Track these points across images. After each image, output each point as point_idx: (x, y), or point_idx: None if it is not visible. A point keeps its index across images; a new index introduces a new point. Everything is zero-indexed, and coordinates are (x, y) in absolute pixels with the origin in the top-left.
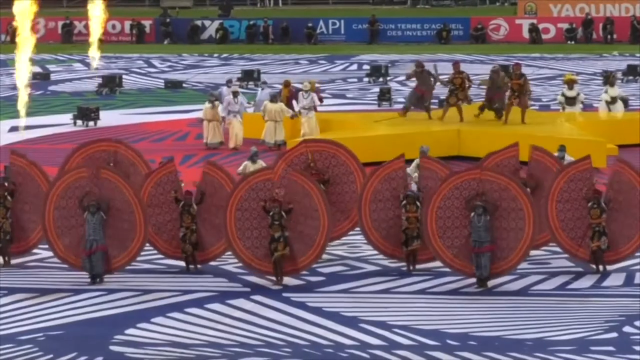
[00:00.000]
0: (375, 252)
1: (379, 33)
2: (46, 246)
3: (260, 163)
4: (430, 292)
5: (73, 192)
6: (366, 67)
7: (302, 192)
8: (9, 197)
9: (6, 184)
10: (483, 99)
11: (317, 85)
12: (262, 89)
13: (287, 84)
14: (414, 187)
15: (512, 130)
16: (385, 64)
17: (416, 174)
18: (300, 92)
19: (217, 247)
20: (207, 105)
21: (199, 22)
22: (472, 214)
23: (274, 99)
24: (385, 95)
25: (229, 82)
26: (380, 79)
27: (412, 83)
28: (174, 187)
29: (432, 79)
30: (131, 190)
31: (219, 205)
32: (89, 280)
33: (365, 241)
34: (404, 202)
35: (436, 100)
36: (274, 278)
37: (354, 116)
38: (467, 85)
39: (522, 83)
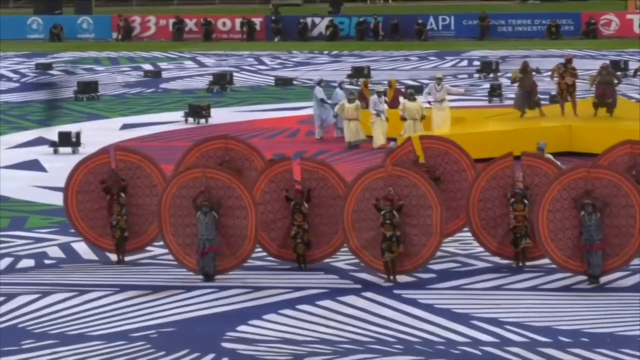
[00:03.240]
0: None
1: (489, 29)
2: (159, 243)
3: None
4: (542, 288)
5: (187, 191)
6: (476, 63)
7: (410, 185)
8: (122, 194)
9: (118, 180)
10: (594, 95)
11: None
12: (342, 88)
13: (391, 84)
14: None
15: (624, 126)
16: (496, 59)
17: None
18: (429, 87)
19: (326, 248)
20: (347, 104)
21: (309, 19)
22: (582, 212)
23: (351, 98)
24: (495, 91)
25: (320, 82)
26: (491, 75)
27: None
28: (286, 186)
29: (534, 75)
30: (244, 189)
31: (328, 201)
32: (201, 277)
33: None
34: (512, 200)
35: (547, 96)
36: (385, 276)
37: (465, 112)
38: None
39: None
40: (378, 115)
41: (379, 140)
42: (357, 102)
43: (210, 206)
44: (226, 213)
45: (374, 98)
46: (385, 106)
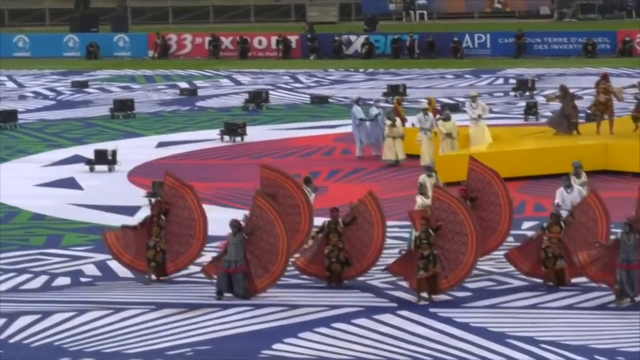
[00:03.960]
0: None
1: (525, 47)
2: (195, 261)
3: (436, 177)
4: (578, 307)
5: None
6: (512, 81)
7: (449, 210)
8: (162, 217)
9: (160, 202)
10: (632, 112)
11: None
12: (377, 107)
13: (430, 102)
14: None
15: None
16: (532, 77)
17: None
18: (468, 103)
19: (360, 265)
20: (388, 122)
21: (344, 37)
22: (620, 232)
23: (391, 116)
24: (531, 110)
25: (358, 101)
26: (527, 93)
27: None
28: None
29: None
30: (276, 213)
31: (363, 227)
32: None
33: None
34: (549, 221)
35: (582, 114)
36: (424, 295)
37: (501, 130)
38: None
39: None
40: (426, 133)
41: (426, 158)
42: (398, 120)
43: (239, 227)
44: (261, 237)
45: (419, 116)
46: (431, 124)
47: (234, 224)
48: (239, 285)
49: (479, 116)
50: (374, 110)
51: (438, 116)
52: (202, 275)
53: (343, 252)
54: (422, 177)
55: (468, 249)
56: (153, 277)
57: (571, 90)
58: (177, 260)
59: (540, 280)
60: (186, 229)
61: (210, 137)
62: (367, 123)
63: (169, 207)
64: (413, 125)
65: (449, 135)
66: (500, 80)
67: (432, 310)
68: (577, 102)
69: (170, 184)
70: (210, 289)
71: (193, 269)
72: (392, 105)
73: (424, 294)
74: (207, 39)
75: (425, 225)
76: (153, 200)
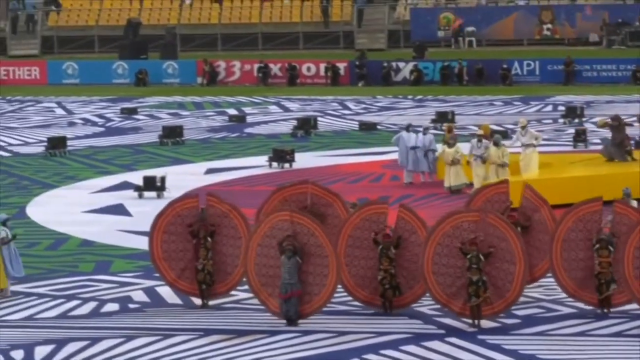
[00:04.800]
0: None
1: (574, 74)
2: (244, 287)
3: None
4: (627, 334)
5: (274, 235)
6: (561, 108)
7: (501, 237)
8: (209, 239)
9: (205, 224)
10: None
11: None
12: (425, 134)
13: (484, 129)
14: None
15: None
16: (581, 105)
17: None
18: (518, 131)
19: (413, 292)
20: (447, 149)
21: (393, 64)
22: None
23: (450, 142)
24: (580, 137)
25: (408, 127)
26: (576, 120)
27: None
28: (375, 229)
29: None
30: (324, 235)
31: (413, 251)
32: (284, 321)
33: None
34: (597, 245)
35: (632, 141)
36: (470, 321)
37: (550, 157)
38: None
39: None
40: (476, 159)
41: (479, 185)
42: (458, 146)
43: (294, 250)
44: (307, 260)
45: (472, 142)
46: (484, 151)
47: (288, 247)
48: (293, 308)
49: (529, 144)
50: (422, 137)
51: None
52: (252, 301)
53: (395, 278)
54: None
55: (515, 277)
56: (203, 300)
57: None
58: (227, 281)
59: (591, 307)
60: (233, 248)
61: (258, 164)
62: (416, 150)
63: (215, 228)
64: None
65: (493, 162)
66: (549, 107)
67: (480, 337)
68: (628, 130)
69: (213, 204)
70: (258, 315)
71: (242, 295)
72: (441, 132)
73: (471, 321)
74: (256, 65)
75: (476, 251)
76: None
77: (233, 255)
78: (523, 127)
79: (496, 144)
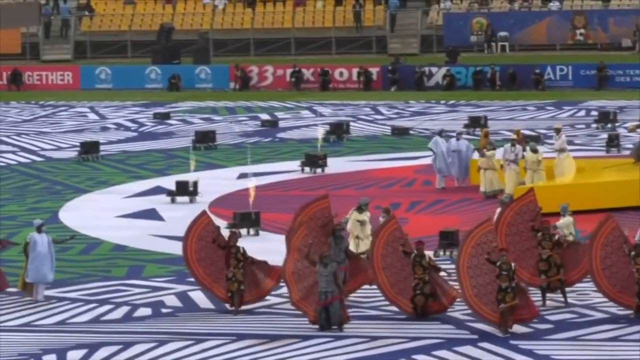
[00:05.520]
0: (605, 299)
1: (607, 79)
2: (275, 292)
3: (366, 214)
4: None
5: (480, 251)
6: (594, 113)
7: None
8: (241, 249)
9: (235, 233)
10: None
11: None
12: (458, 140)
13: (518, 133)
14: None
15: None
16: (614, 110)
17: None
18: (553, 135)
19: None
20: (483, 153)
21: (425, 69)
22: None
23: (488, 147)
24: (613, 142)
25: (441, 133)
26: (609, 125)
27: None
28: (401, 242)
29: None
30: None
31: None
32: (317, 327)
33: (594, 288)
34: (633, 253)
35: None
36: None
37: (583, 162)
38: None
39: None
40: (509, 164)
41: (510, 190)
42: (494, 151)
43: (331, 258)
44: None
45: (505, 147)
46: (517, 156)
47: (325, 255)
48: (336, 314)
49: (562, 149)
50: (456, 142)
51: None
52: (283, 306)
53: (429, 285)
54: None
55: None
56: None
57: None
58: (257, 290)
59: (624, 312)
60: (262, 267)
61: (291, 169)
62: (450, 155)
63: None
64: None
65: (533, 167)
66: (582, 112)
67: (513, 342)
68: None
69: None
70: (290, 320)
71: (273, 300)
72: (474, 137)
73: (503, 327)
74: (289, 70)
75: (506, 257)
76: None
77: (265, 268)
78: (558, 132)
79: (533, 150)
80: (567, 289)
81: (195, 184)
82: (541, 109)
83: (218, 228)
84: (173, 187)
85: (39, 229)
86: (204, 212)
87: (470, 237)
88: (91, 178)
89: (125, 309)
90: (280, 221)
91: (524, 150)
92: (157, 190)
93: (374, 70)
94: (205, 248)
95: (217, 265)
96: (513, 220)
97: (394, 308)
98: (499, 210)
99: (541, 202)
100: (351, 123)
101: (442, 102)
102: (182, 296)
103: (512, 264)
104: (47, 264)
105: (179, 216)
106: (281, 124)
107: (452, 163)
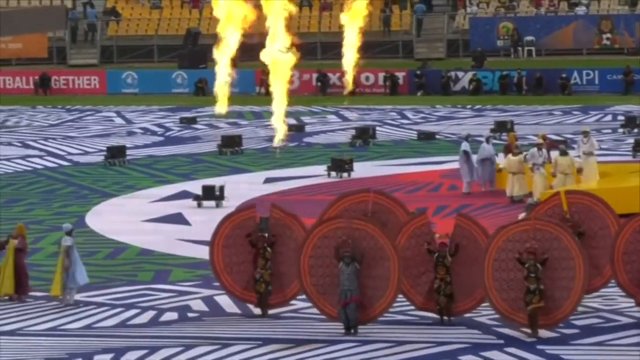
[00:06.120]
0: (632, 304)
1: (633, 83)
2: (302, 297)
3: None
4: None
5: (329, 242)
6: (621, 118)
7: (557, 243)
8: (268, 249)
9: (266, 235)
10: None
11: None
12: (487, 143)
13: (544, 137)
14: None
15: None
16: None
17: None
18: (579, 138)
19: (469, 301)
20: (512, 157)
21: (452, 74)
22: None
23: (515, 151)
24: None
25: (467, 137)
26: (635, 130)
27: None
28: (427, 239)
29: None
30: (388, 240)
31: (473, 259)
32: (343, 330)
33: (621, 293)
34: None
35: None
36: (528, 330)
37: (609, 167)
38: None
39: None
40: (538, 168)
41: (537, 194)
42: (521, 155)
43: (352, 257)
44: (369, 264)
45: (532, 151)
46: (544, 160)
47: (347, 254)
48: (352, 314)
49: (590, 152)
50: (487, 145)
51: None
52: (310, 310)
53: (450, 286)
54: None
55: (577, 274)
56: (262, 310)
57: None
58: (284, 292)
59: None
60: (292, 260)
61: (317, 173)
62: (477, 159)
63: (275, 239)
64: (526, 160)
65: (562, 172)
66: (609, 117)
67: (539, 347)
68: None
69: (277, 215)
70: (316, 324)
71: (300, 304)
72: (500, 142)
73: (528, 330)
74: (315, 75)
75: (534, 259)
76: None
77: (294, 263)
78: (585, 135)
79: (563, 153)
80: (593, 294)
81: (221, 188)
82: (567, 114)
83: (262, 219)
84: (199, 192)
85: (69, 234)
86: (250, 205)
87: (503, 232)
88: (117, 182)
89: (151, 314)
90: (307, 226)
91: (548, 153)
92: (184, 195)
93: (401, 75)
94: (232, 255)
95: (246, 271)
96: (632, 238)
97: (421, 313)
98: (523, 214)
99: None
100: (377, 127)
101: (469, 106)
102: (209, 300)
103: (539, 266)
104: (82, 266)
105: (206, 220)
106: (307, 128)
107: (479, 167)
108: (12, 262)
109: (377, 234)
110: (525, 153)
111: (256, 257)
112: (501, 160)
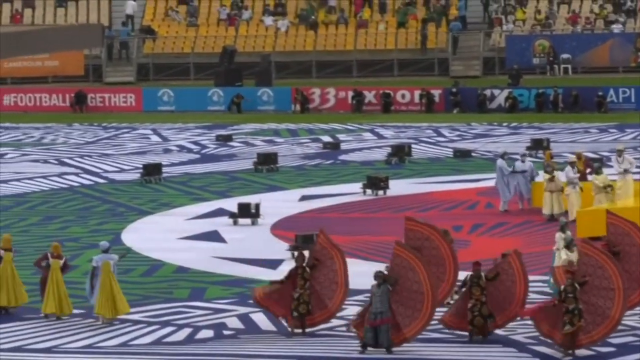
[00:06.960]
0: None
1: None
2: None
3: (568, 234)
4: None
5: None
6: None
7: (596, 265)
8: (307, 269)
9: (302, 254)
10: None
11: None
12: (523, 161)
13: (579, 156)
14: None
15: None
16: None
17: None
18: (614, 157)
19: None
20: (546, 176)
21: (488, 91)
22: None
23: (548, 170)
24: None
25: (504, 155)
26: None
27: None
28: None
29: None
30: (422, 266)
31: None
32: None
33: None
34: None
35: None
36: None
37: None
38: None
39: None
40: (574, 187)
41: (574, 212)
42: (557, 173)
43: (384, 278)
44: (404, 285)
45: (567, 169)
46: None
47: (379, 275)
48: (384, 336)
49: (626, 170)
50: (520, 164)
51: (589, 170)
52: (343, 328)
53: (486, 306)
54: (559, 235)
55: (615, 305)
56: (296, 330)
57: None
58: (319, 314)
59: None
60: (327, 290)
61: (352, 191)
62: (513, 177)
63: (317, 263)
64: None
65: (605, 188)
66: None
67: None
68: None
69: (322, 242)
70: (351, 343)
71: (335, 322)
72: (537, 160)
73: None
74: (350, 93)
75: (572, 279)
76: (296, 253)
77: (326, 298)
78: (620, 154)
79: (598, 172)
80: (629, 312)
81: (257, 206)
82: (604, 132)
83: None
84: (235, 209)
85: (106, 252)
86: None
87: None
88: (153, 200)
89: (187, 331)
90: (341, 244)
91: (586, 172)
92: (219, 212)
93: (436, 93)
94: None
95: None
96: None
97: (456, 331)
98: (559, 234)
99: (599, 225)
100: (413, 145)
101: (505, 124)
102: (244, 318)
103: (577, 286)
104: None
105: (241, 238)
106: (343, 146)
107: (516, 185)
108: (56, 281)
109: (413, 261)
110: (558, 171)
111: (295, 277)
112: (541, 178)
